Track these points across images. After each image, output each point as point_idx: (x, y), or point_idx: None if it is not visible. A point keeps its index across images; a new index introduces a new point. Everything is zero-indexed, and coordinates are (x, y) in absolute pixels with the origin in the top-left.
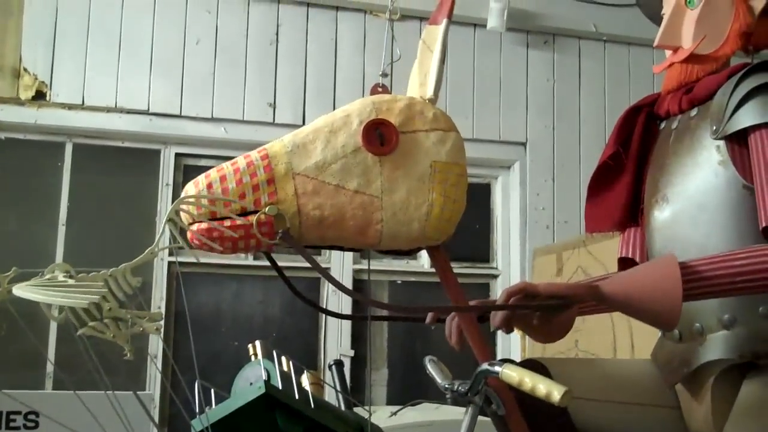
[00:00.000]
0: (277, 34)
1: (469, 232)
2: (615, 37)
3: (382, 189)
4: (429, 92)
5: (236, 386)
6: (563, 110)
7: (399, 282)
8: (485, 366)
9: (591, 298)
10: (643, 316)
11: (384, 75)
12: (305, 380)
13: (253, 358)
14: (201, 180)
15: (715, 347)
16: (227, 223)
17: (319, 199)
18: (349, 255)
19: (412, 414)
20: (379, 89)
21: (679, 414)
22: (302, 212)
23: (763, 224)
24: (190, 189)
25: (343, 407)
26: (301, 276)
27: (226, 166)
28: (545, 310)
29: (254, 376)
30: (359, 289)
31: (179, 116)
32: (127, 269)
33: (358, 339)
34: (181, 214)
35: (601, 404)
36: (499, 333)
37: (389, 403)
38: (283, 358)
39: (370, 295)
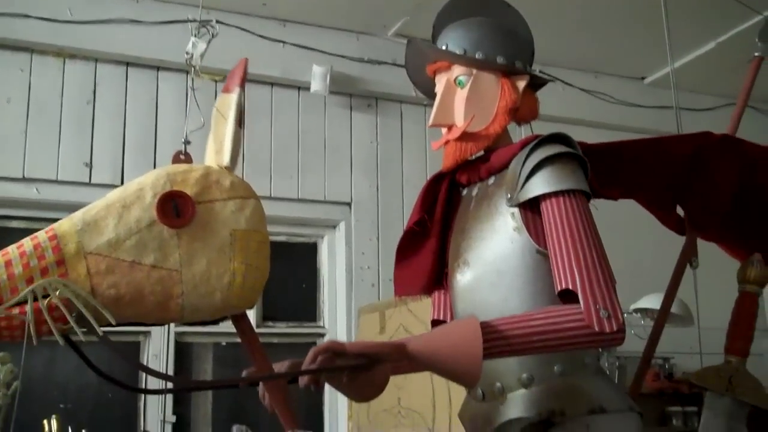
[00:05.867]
0: (94, 92)
1: (296, 291)
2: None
3: (180, 262)
4: (225, 160)
5: None
6: (387, 171)
7: (224, 344)
8: None
9: (396, 357)
10: (446, 373)
11: (187, 143)
12: None
13: None
14: None
15: (515, 406)
16: (15, 310)
17: (113, 277)
18: None
19: None
20: (182, 157)
21: None
22: (96, 292)
23: (559, 288)
24: None
25: None
26: (121, 341)
27: (12, 249)
28: (352, 370)
29: None
30: (183, 351)
31: None
32: None
33: (181, 404)
34: None
35: None
36: (327, 391)
37: None
38: None
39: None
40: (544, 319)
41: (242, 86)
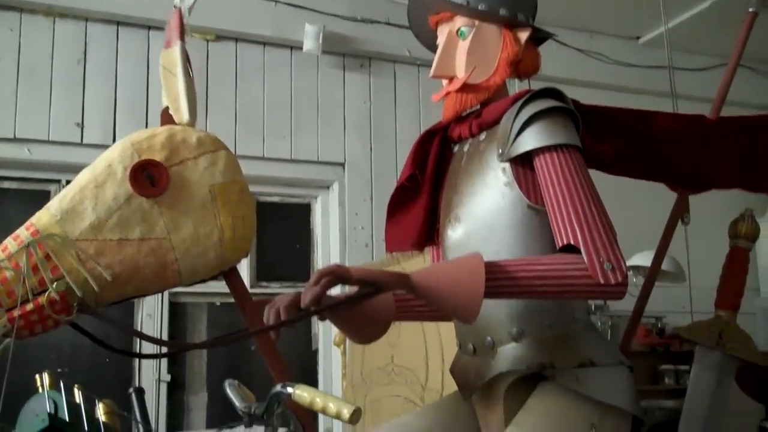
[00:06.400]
0: (85, 52)
1: (290, 252)
2: (428, 62)
3: (167, 229)
4: (184, 117)
5: (21, 420)
6: (380, 131)
7: (218, 304)
8: (278, 388)
9: (400, 287)
10: (447, 306)
11: None
12: (100, 410)
13: (40, 389)
14: None
15: (505, 360)
16: (17, 312)
17: (105, 259)
18: None
19: None
20: (171, 112)
21: None
22: (93, 277)
23: (560, 244)
24: None
25: None
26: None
27: None
28: (352, 304)
29: (40, 408)
30: (177, 312)
31: None
32: None
33: (176, 364)
34: None
35: None
36: (321, 351)
37: (208, 427)
38: (75, 389)
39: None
40: (549, 265)
41: (182, 38)
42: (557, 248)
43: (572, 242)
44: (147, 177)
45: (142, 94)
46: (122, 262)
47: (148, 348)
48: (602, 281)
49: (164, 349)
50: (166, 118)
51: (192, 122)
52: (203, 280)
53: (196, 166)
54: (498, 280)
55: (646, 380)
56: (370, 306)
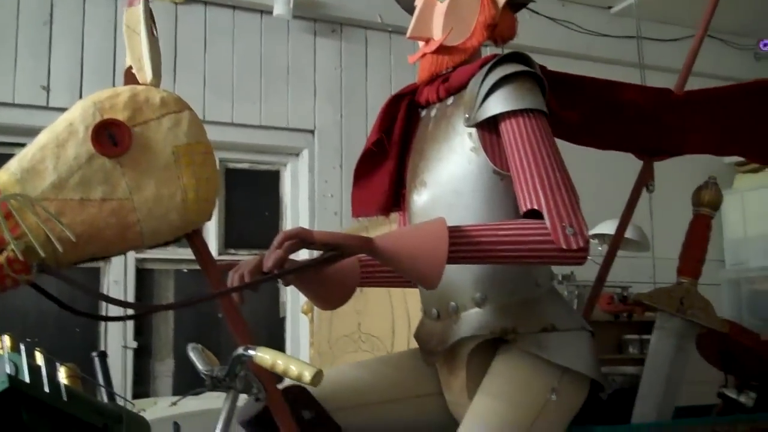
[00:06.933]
0: (51, 14)
1: (259, 219)
2: (400, 28)
3: (129, 190)
4: (148, 76)
5: None
6: (351, 98)
7: (185, 270)
8: (240, 350)
9: (363, 251)
10: (409, 272)
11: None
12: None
13: (0, 351)
14: None
15: (469, 324)
16: None
17: (66, 219)
18: None
19: (194, 403)
20: (133, 71)
21: (442, 399)
22: (55, 236)
23: (524, 209)
24: None
25: (105, 399)
26: (80, 267)
27: None
28: (315, 266)
29: (0, 370)
30: (144, 278)
31: None
32: None
33: (142, 331)
34: None
35: (359, 409)
36: (289, 319)
37: (175, 393)
38: (37, 352)
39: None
40: (512, 230)
41: None
42: (521, 213)
43: (535, 207)
44: (109, 136)
45: (109, 57)
46: (84, 222)
47: (113, 312)
48: (564, 246)
49: (130, 312)
50: (130, 77)
51: (156, 82)
52: (167, 243)
53: (160, 127)
54: (461, 245)
55: (611, 350)
56: (335, 271)
